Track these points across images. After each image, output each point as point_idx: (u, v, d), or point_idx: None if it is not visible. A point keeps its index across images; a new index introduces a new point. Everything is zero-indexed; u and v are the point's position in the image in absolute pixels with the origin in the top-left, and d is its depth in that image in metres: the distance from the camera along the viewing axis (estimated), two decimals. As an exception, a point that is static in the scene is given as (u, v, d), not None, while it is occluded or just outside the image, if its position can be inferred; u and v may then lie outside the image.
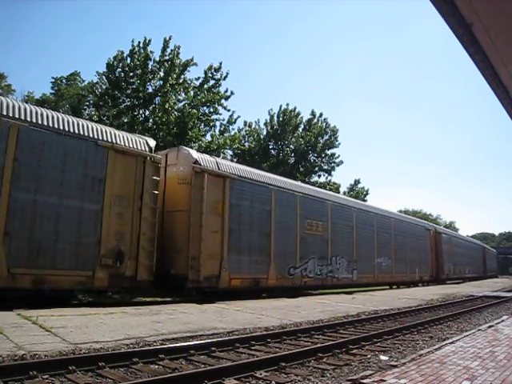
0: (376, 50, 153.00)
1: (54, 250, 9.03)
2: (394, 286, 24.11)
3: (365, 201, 32.55)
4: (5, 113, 8.63)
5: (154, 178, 11.10)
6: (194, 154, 12.66)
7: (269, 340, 7.06)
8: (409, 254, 24.84)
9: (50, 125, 9.27)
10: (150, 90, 21.35)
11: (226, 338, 6.84)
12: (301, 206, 15.88)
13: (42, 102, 24.51)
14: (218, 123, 23.72)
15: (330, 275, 17.34)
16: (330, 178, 32.98)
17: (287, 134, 31.09)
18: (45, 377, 4.53)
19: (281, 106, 31.68)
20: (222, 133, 24.02)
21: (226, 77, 22.89)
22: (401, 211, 56.89)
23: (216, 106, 22.87)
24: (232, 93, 23.06)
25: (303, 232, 15.86)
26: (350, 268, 18.68)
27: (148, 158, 11.00)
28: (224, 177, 12.83)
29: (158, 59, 21.30)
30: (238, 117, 24.74)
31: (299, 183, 18.58)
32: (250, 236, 13.51)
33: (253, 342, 6.73)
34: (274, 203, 14.58)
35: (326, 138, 31.96)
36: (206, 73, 22.62)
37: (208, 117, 22.94)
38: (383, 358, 6.28)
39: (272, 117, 31.63)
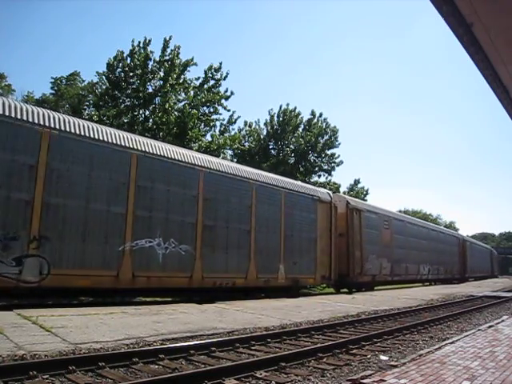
0: (376, 50, 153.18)
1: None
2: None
3: (365, 201, 30.72)
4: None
5: None
6: None
7: (269, 340, 7.06)
8: (265, 238, 14.32)
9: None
10: (150, 90, 21.34)
11: (226, 338, 6.84)
12: None
13: (41, 102, 24.51)
14: (218, 123, 23.75)
15: None
16: (330, 178, 32.99)
17: (287, 134, 31.05)
18: (45, 377, 4.53)
19: (281, 106, 31.66)
20: (222, 133, 24.02)
21: (226, 77, 22.92)
22: (401, 211, 55.01)
23: (216, 106, 22.88)
24: (232, 93, 23.09)
25: None
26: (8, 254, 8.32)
27: None
28: None
29: (158, 59, 21.29)
30: (238, 117, 24.75)
31: None
32: None
33: (253, 342, 6.73)
34: None
35: (326, 138, 31.91)
36: (206, 73, 22.63)
37: (208, 117, 22.95)
38: (383, 357, 6.28)
39: (272, 117, 31.61)
